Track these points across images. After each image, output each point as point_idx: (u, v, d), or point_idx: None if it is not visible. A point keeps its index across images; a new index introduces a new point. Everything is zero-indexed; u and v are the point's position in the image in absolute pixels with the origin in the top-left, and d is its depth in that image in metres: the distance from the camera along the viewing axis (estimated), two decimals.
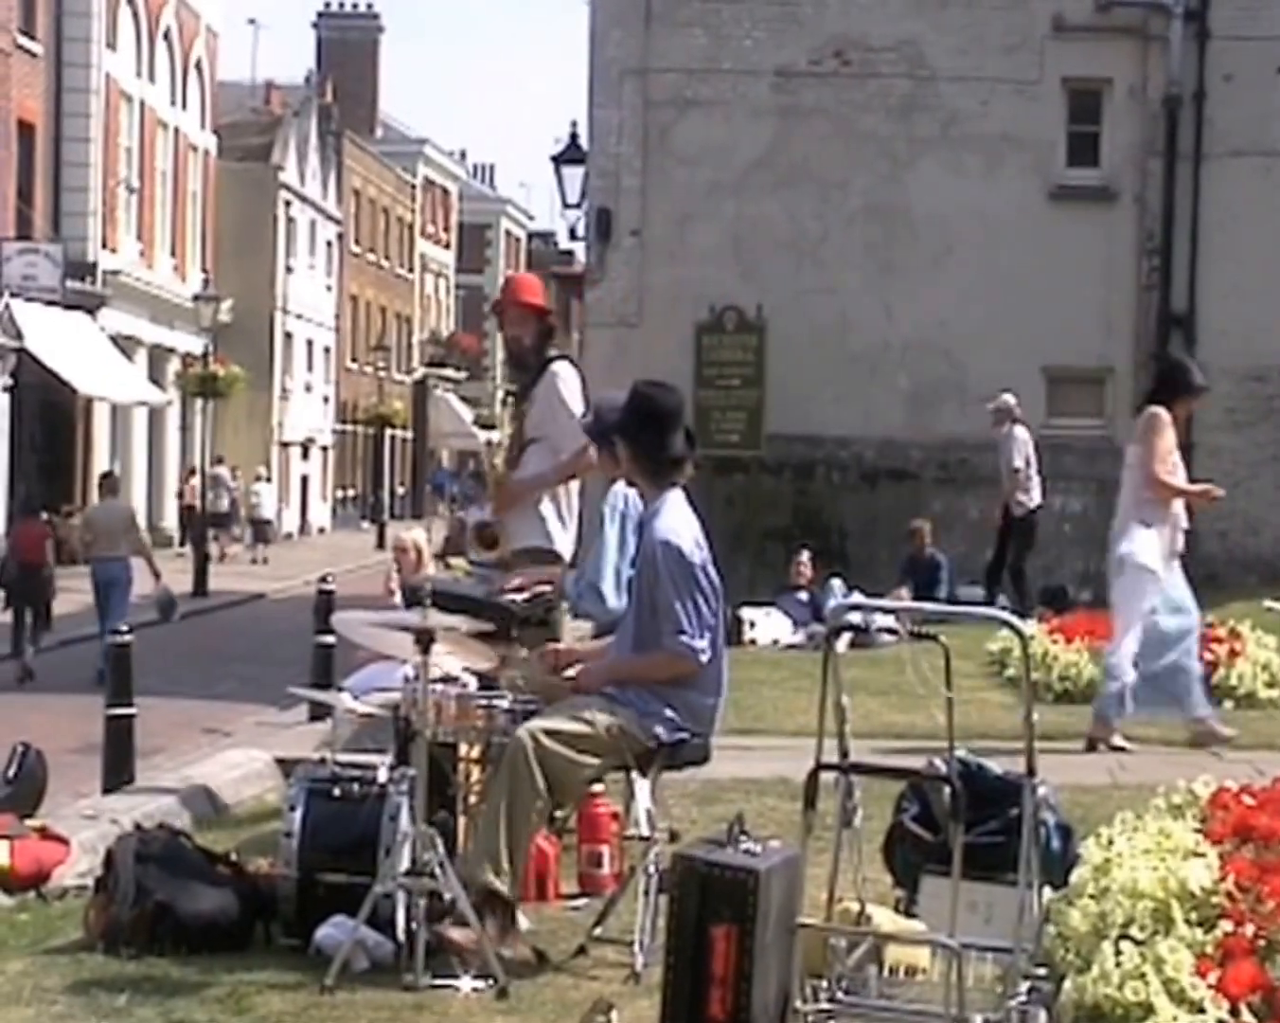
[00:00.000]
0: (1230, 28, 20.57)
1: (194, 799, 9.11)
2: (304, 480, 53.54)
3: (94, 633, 18.79)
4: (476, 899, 5.88)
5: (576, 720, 6.07)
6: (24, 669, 19.31)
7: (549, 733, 6.02)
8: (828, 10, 20.94)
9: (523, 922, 6.20)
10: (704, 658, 6.16)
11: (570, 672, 6.56)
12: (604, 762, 6.20)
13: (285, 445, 50.88)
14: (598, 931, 6.29)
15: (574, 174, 23.05)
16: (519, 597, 7.65)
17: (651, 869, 6.05)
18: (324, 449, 55.76)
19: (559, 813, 6.93)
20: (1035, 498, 18.41)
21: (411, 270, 67.24)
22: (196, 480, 36.74)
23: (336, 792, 6.31)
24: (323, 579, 14.88)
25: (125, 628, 10.88)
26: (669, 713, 6.13)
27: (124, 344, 36.48)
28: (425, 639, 6.00)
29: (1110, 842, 5.53)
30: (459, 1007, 5.64)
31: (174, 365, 40.48)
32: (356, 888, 5.98)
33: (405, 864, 5.92)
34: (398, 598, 11.27)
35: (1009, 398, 18.50)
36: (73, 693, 16.76)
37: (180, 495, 39.42)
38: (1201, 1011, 4.55)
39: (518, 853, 6.00)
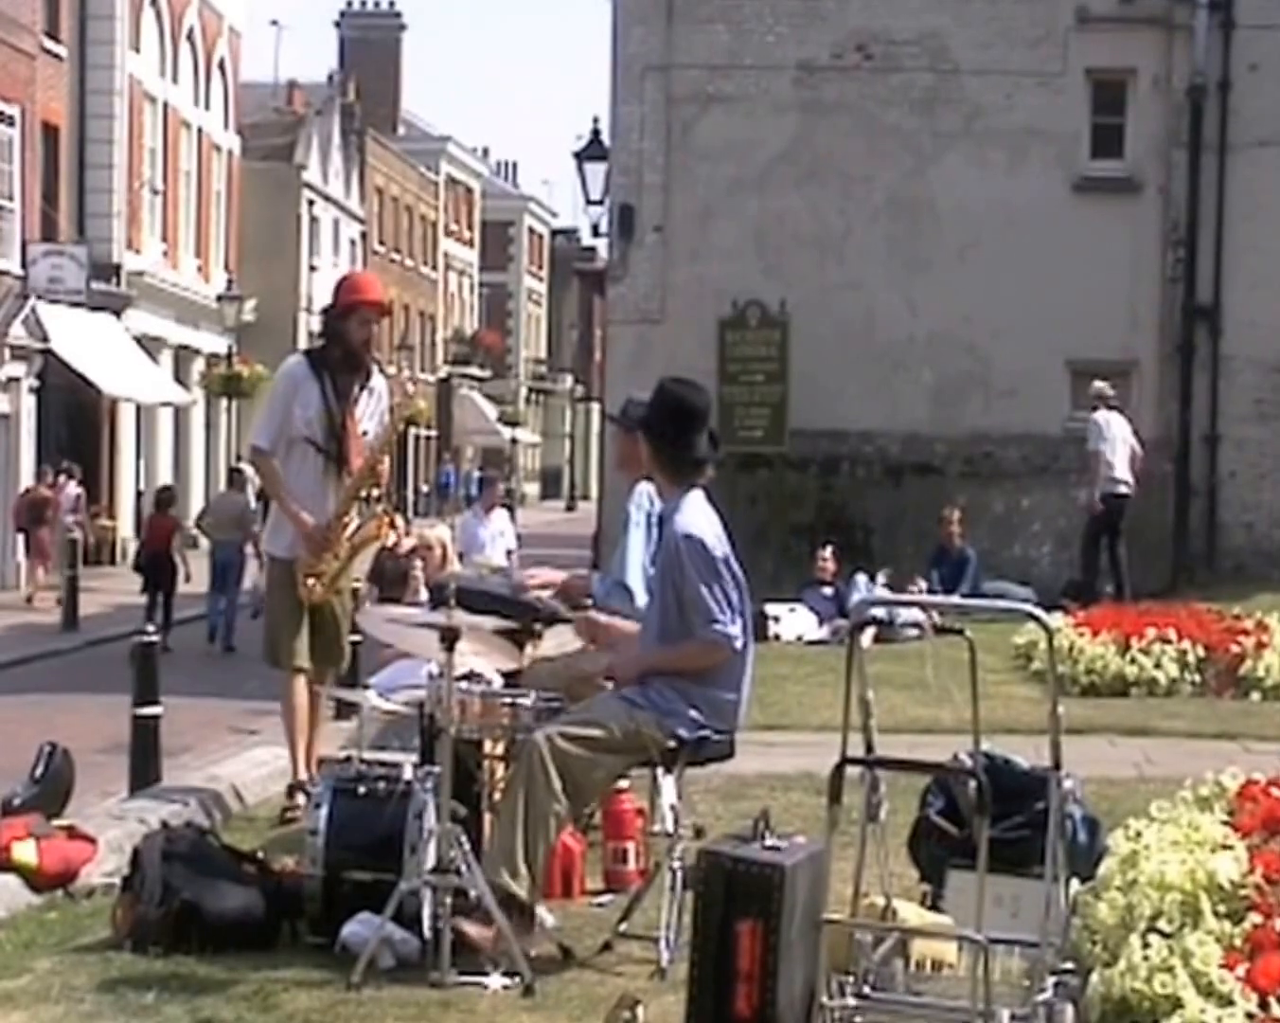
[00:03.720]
0: (1256, 17, 20.44)
1: (220, 798, 9.12)
2: None
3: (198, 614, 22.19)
4: (496, 899, 5.87)
5: (593, 725, 6.06)
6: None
7: (565, 736, 6.01)
8: (850, 4, 20.87)
9: (549, 919, 6.20)
10: (738, 644, 6.13)
11: (604, 661, 6.55)
12: (622, 760, 6.18)
13: None
14: (623, 927, 6.29)
15: (596, 171, 23.03)
16: (544, 594, 7.66)
17: (676, 865, 6.04)
18: None
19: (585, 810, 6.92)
20: (1114, 485, 18.04)
21: (435, 269, 67.28)
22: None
23: (362, 790, 6.32)
24: None
25: (153, 628, 10.96)
26: (691, 712, 6.10)
27: (149, 345, 36.56)
28: (450, 637, 6.00)
29: (1138, 834, 5.51)
30: (485, 1004, 5.65)
31: (198, 365, 40.57)
32: (382, 886, 5.98)
33: (431, 862, 5.92)
34: (423, 596, 11.30)
35: (1099, 383, 18.56)
36: (105, 692, 16.81)
37: None
38: (1230, 1003, 4.53)
39: (535, 857, 5.98)
